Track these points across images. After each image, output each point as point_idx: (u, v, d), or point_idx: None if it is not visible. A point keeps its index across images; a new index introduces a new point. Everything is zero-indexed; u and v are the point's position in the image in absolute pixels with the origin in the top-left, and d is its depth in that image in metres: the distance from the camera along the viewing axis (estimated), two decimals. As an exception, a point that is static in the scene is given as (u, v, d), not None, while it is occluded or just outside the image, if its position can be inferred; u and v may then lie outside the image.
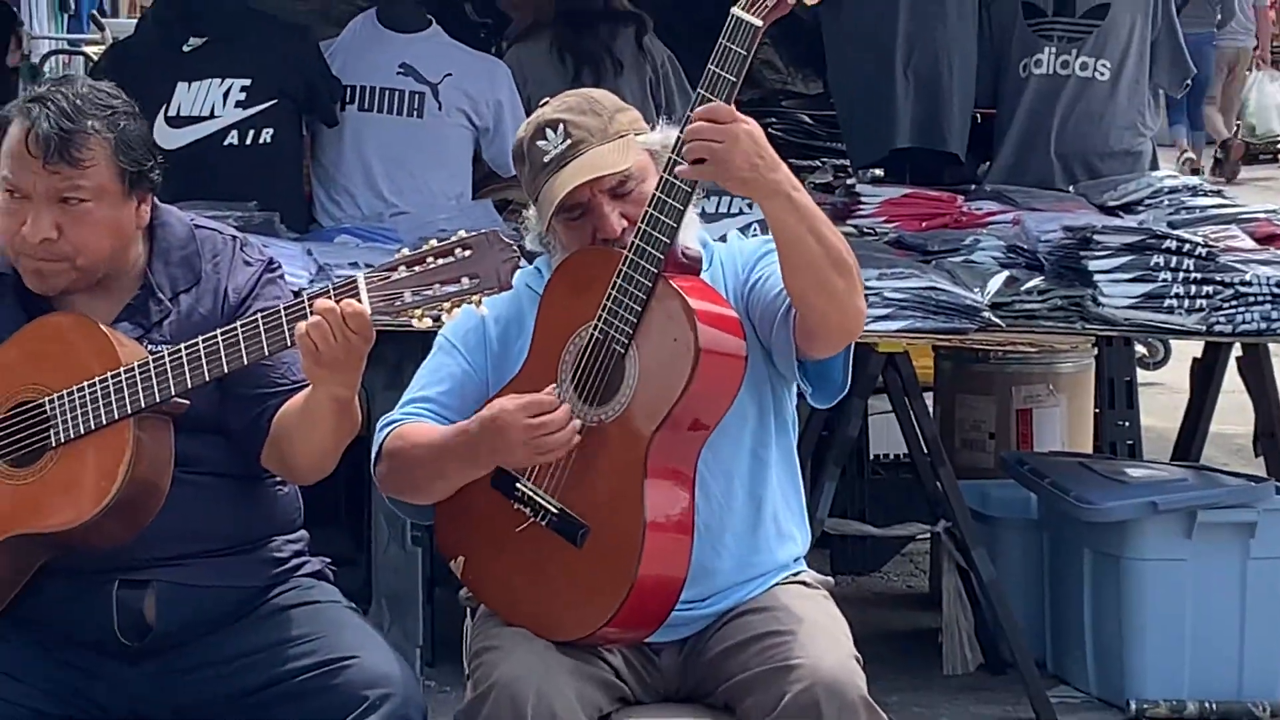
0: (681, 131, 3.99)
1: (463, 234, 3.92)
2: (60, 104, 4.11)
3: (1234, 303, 6.23)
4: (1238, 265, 6.30)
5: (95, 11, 13.64)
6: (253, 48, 7.21)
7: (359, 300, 3.78)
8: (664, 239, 4.06)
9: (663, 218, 4.07)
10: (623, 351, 4.14)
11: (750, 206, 4.41)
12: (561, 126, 4.28)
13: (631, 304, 4.09)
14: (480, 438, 4.19)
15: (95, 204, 4.10)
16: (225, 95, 7.10)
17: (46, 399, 3.98)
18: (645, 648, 4.32)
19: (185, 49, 7.23)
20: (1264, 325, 6.29)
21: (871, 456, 7.01)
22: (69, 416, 3.97)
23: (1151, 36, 7.65)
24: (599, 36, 7.79)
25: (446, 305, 3.87)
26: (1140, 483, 6.45)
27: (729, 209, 5.50)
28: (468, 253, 3.76)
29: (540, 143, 4.30)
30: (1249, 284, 6.23)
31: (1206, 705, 6.19)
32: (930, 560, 7.05)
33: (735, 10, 4.09)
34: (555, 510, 4.14)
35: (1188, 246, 6.28)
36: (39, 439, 3.98)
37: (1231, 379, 7.34)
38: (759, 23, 4.06)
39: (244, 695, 4.13)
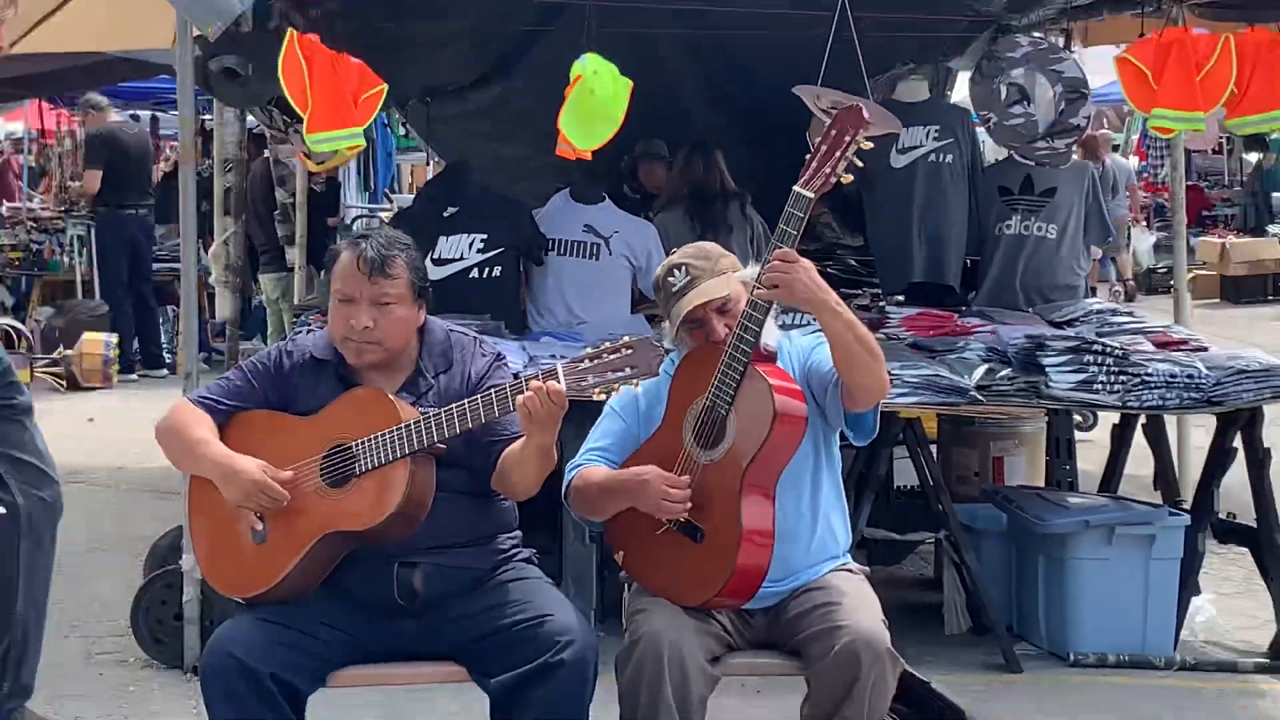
0: (762, 269, 4.25)
1: (626, 338, 4.11)
2: (377, 241, 4.42)
3: (1140, 388, 6.35)
4: (1143, 363, 6.30)
5: (386, 189, 13.71)
6: (488, 215, 7.40)
7: (558, 381, 4.00)
8: (751, 339, 4.35)
9: (750, 325, 4.34)
10: (725, 414, 4.40)
11: (812, 319, 4.50)
12: (684, 268, 4.49)
13: (730, 382, 4.38)
14: (631, 488, 4.43)
15: (397, 306, 4.37)
16: (470, 245, 7.22)
17: (354, 442, 4.23)
18: (743, 612, 4.52)
19: (444, 214, 7.34)
20: (1160, 402, 6.43)
21: (895, 486, 7.04)
22: (368, 455, 4.21)
23: (1084, 210, 7.62)
24: (715, 208, 7.84)
25: (615, 385, 4.12)
26: (1077, 508, 6.63)
27: (799, 320, 5.59)
28: (629, 351, 4.08)
29: (670, 278, 4.56)
30: (1150, 375, 6.34)
31: (1121, 656, 6.18)
32: (934, 557, 7.08)
33: (796, 187, 4.34)
34: (682, 519, 4.35)
35: (1109, 349, 6.29)
36: (348, 469, 4.19)
37: (1138, 437, 7.32)
38: (811, 195, 4.38)
39: (478, 640, 4.30)
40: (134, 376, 14.01)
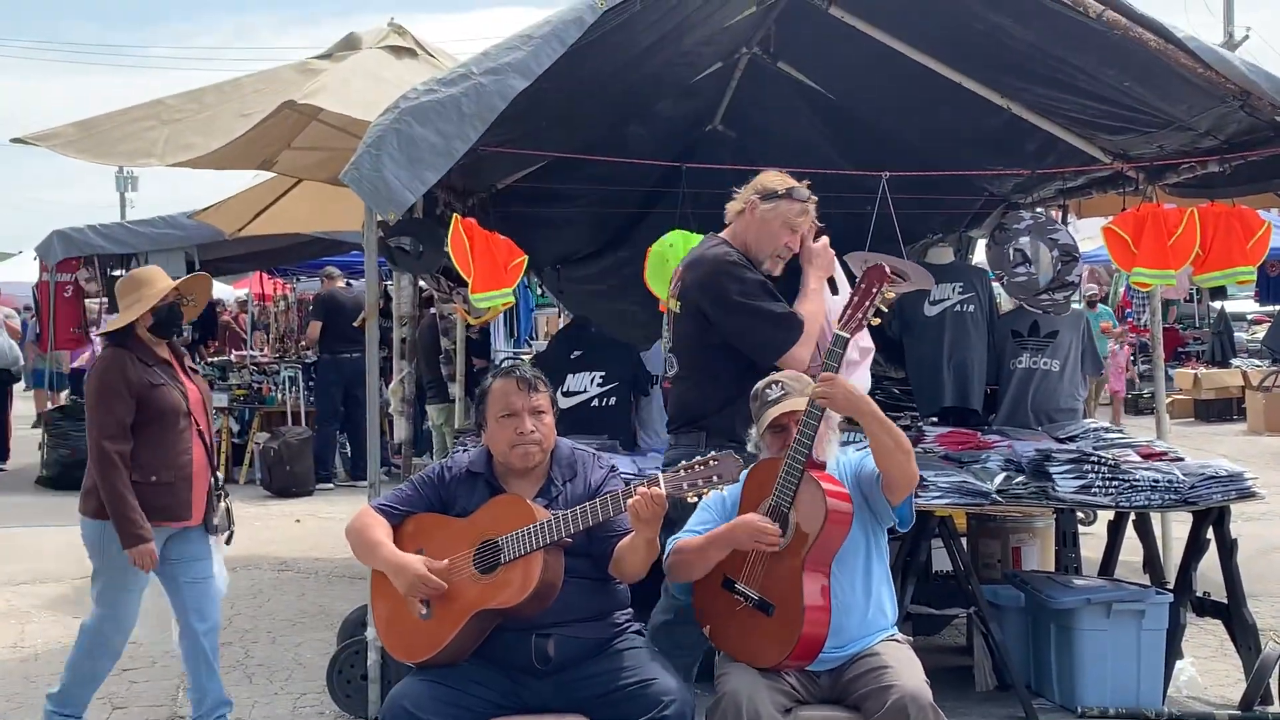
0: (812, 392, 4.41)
1: (714, 454, 4.21)
2: (524, 367, 4.72)
3: (1129, 491, 6.26)
4: (1131, 470, 6.22)
5: (527, 337, 13.77)
6: (605, 357, 7.39)
7: (660, 487, 4.05)
8: (806, 445, 4.45)
9: (804, 435, 4.44)
10: (787, 510, 4.45)
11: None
12: (780, 384, 4.68)
13: (790, 484, 4.46)
14: (728, 533, 4.45)
15: (547, 414, 4.52)
16: (591, 380, 7.26)
17: (500, 538, 4.29)
18: (809, 672, 4.53)
19: (571, 356, 7.39)
20: (1146, 503, 6.30)
21: (934, 571, 6.92)
22: (511, 547, 4.30)
23: (1081, 348, 7.54)
24: None
25: (704, 490, 4.19)
26: (1081, 588, 6.48)
27: (853, 439, 5.54)
28: (716, 463, 4.20)
29: (768, 391, 4.68)
30: (1138, 481, 6.23)
31: (1119, 709, 6.02)
32: (966, 628, 6.92)
33: (835, 329, 4.58)
34: (756, 597, 4.50)
35: (1104, 460, 6.21)
36: (495, 558, 4.28)
37: (1129, 531, 7.18)
38: (847, 335, 4.55)
39: (600, 697, 4.32)
40: (330, 485, 14.20)
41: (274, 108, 7.52)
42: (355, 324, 13.92)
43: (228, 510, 6.02)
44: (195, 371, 6.11)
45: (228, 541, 6.06)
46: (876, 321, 4.54)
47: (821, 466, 4.50)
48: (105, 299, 16.63)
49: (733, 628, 4.47)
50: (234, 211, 12.36)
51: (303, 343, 15.87)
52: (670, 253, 6.64)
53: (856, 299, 4.48)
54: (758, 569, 4.44)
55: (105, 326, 6.14)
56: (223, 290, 21.45)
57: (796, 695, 4.38)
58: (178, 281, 5.89)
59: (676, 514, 4.48)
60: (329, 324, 14.63)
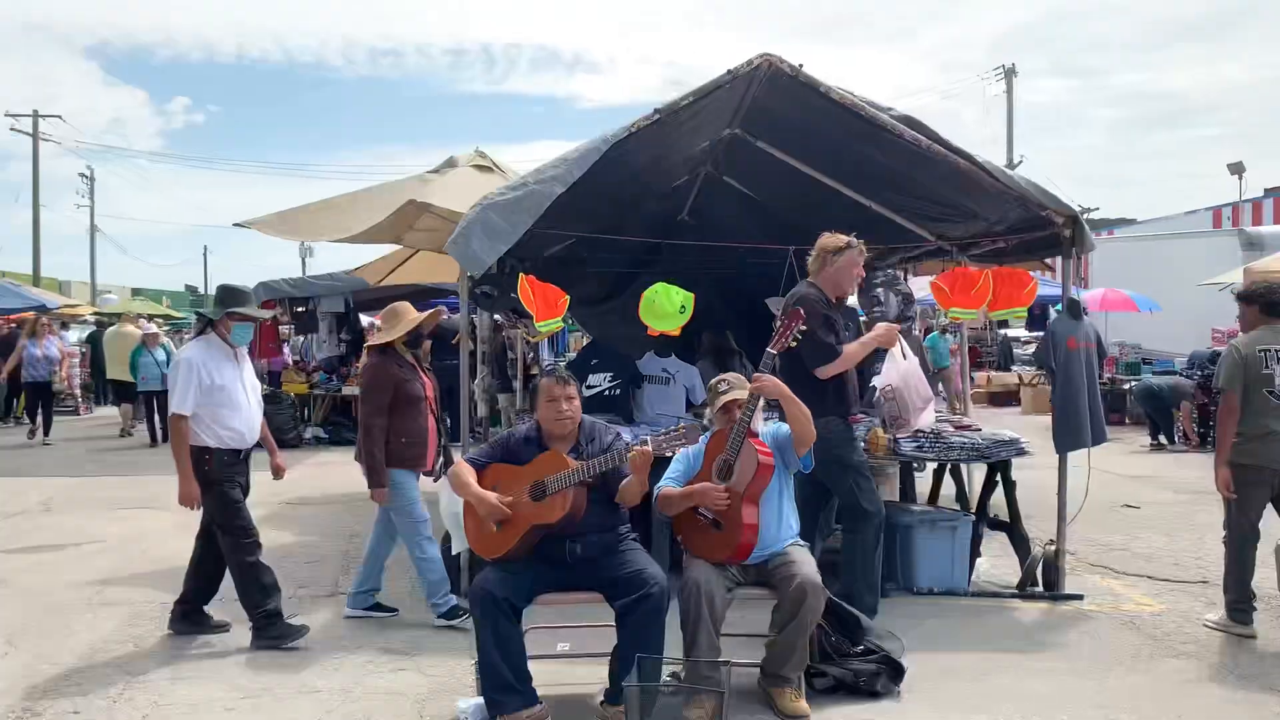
0: (752, 384, 4.39)
1: (683, 425, 4.25)
2: (561, 371, 4.66)
3: (947, 450, 6.35)
4: (948, 437, 6.22)
5: (564, 350, 13.76)
6: (614, 364, 7.34)
7: (649, 446, 3.99)
8: (747, 420, 4.42)
9: (746, 413, 4.41)
10: (733, 461, 4.45)
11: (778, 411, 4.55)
12: (726, 382, 4.62)
13: (736, 445, 4.46)
14: (696, 493, 4.43)
15: (576, 399, 4.46)
16: (604, 379, 7.27)
17: (546, 478, 4.27)
18: (744, 566, 4.51)
19: (591, 363, 7.47)
20: (959, 457, 6.30)
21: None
22: (553, 484, 4.27)
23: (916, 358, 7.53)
24: (727, 358, 7.78)
25: (677, 448, 4.21)
26: (916, 512, 6.48)
27: (770, 417, 5.52)
28: (685, 431, 4.21)
29: (719, 385, 4.61)
30: (953, 444, 6.27)
31: (939, 588, 5.99)
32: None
33: (768, 349, 4.52)
34: (711, 517, 4.49)
35: (931, 429, 6.13)
36: (542, 491, 4.26)
37: (946, 477, 7.18)
38: (774, 352, 4.56)
39: (609, 580, 4.26)
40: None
41: (402, 204, 7.54)
42: (453, 342, 13.86)
43: (446, 461, 6.02)
44: (428, 370, 6.19)
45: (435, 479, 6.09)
46: (794, 344, 4.53)
47: (755, 435, 4.51)
48: (291, 325, 16.64)
49: (696, 537, 4.45)
50: (375, 270, 12.40)
51: (420, 355, 15.78)
52: (655, 297, 6.51)
53: (780, 329, 4.49)
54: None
55: (373, 340, 6.16)
56: (366, 319, 21.40)
57: (736, 580, 4.38)
58: (423, 316, 6.00)
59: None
60: (438, 342, 14.54)
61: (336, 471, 12.00)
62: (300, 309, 15.75)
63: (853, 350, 5.55)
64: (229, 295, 5.54)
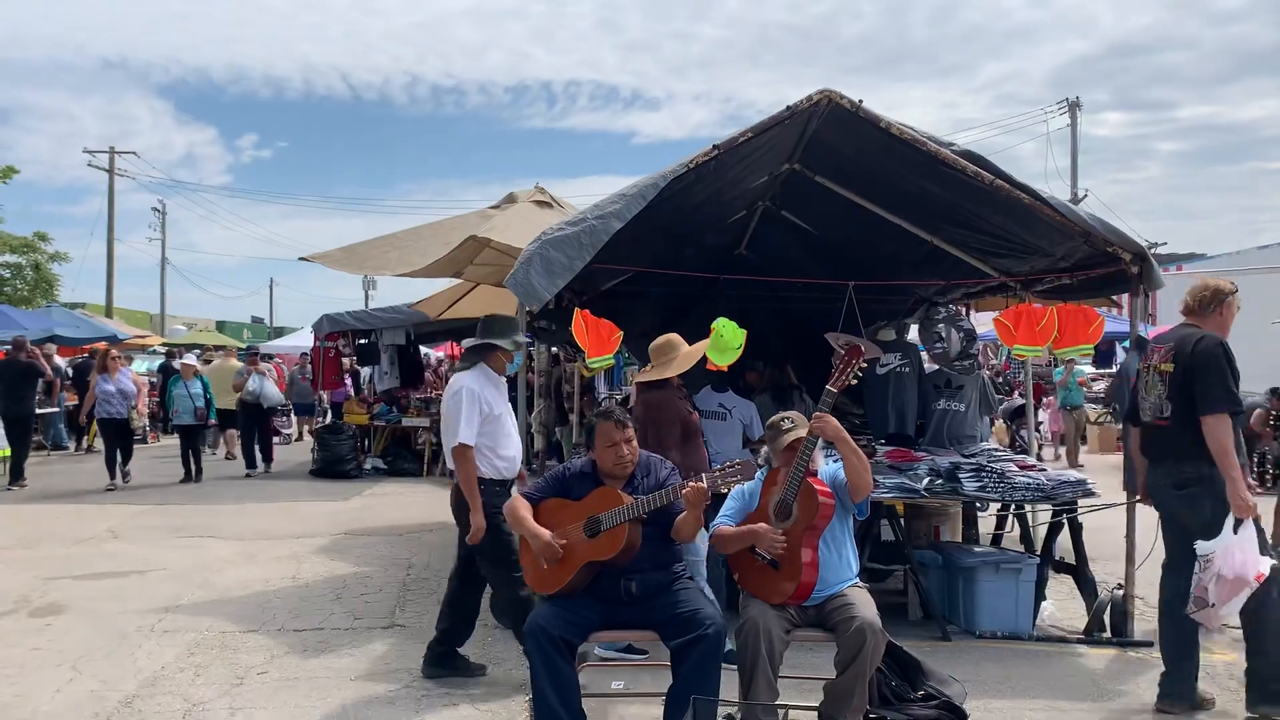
0: (811, 423, 4.31)
1: (737, 461, 4.14)
2: (617, 412, 4.48)
3: (1011, 490, 6.12)
4: (1012, 476, 6.10)
5: (620, 384, 13.59)
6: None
7: (702, 483, 3.95)
8: (805, 460, 4.35)
9: (805, 452, 4.33)
10: (792, 501, 4.36)
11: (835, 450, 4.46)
12: (790, 419, 4.54)
13: (794, 485, 4.37)
14: (751, 534, 4.37)
15: (633, 441, 4.42)
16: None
17: (601, 514, 4.26)
18: (801, 608, 4.38)
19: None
20: (1023, 498, 6.13)
21: (882, 539, 6.76)
22: (608, 520, 4.26)
23: (978, 397, 7.41)
24: (787, 393, 7.70)
25: (734, 483, 4.12)
26: (979, 553, 6.31)
27: (831, 454, 5.45)
28: (739, 467, 4.14)
29: (782, 423, 4.53)
30: (1017, 484, 6.07)
31: (1002, 632, 5.86)
32: (904, 579, 6.77)
33: (828, 386, 4.43)
34: (769, 558, 4.36)
35: (994, 469, 6.07)
36: (597, 527, 4.24)
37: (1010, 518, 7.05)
38: (835, 390, 4.45)
39: (664, 619, 4.19)
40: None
41: (462, 239, 7.62)
42: (511, 376, 13.95)
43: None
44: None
45: None
46: (854, 381, 4.47)
47: (814, 474, 4.45)
48: (355, 356, 16.88)
49: (753, 577, 4.36)
50: (436, 303, 12.54)
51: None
52: (723, 331, 6.27)
53: (841, 365, 4.42)
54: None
55: (646, 376, 6.07)
56: (427, 352, 21.65)
57: (794, 621, 4.29)
58: (698, 350, 6.04)
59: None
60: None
61: (395, 502, 12.12)
62: (363, 341, 16.00)
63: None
64: (504, 326, 5.50)
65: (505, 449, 5.29)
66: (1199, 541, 4.56)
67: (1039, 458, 7.77)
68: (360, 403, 16.49)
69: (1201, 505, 4.68)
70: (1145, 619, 6.48)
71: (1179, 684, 4.87)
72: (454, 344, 20.95)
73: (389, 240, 8.63)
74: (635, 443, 4.41)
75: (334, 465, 14.46)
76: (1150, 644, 5.95)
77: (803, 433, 4.40)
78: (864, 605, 4.23)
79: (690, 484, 4.11)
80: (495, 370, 5.43)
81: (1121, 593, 6.16)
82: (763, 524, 4.35)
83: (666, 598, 4.23)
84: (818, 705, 4.34)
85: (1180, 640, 4.86)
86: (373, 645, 5.96)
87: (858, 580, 4.47)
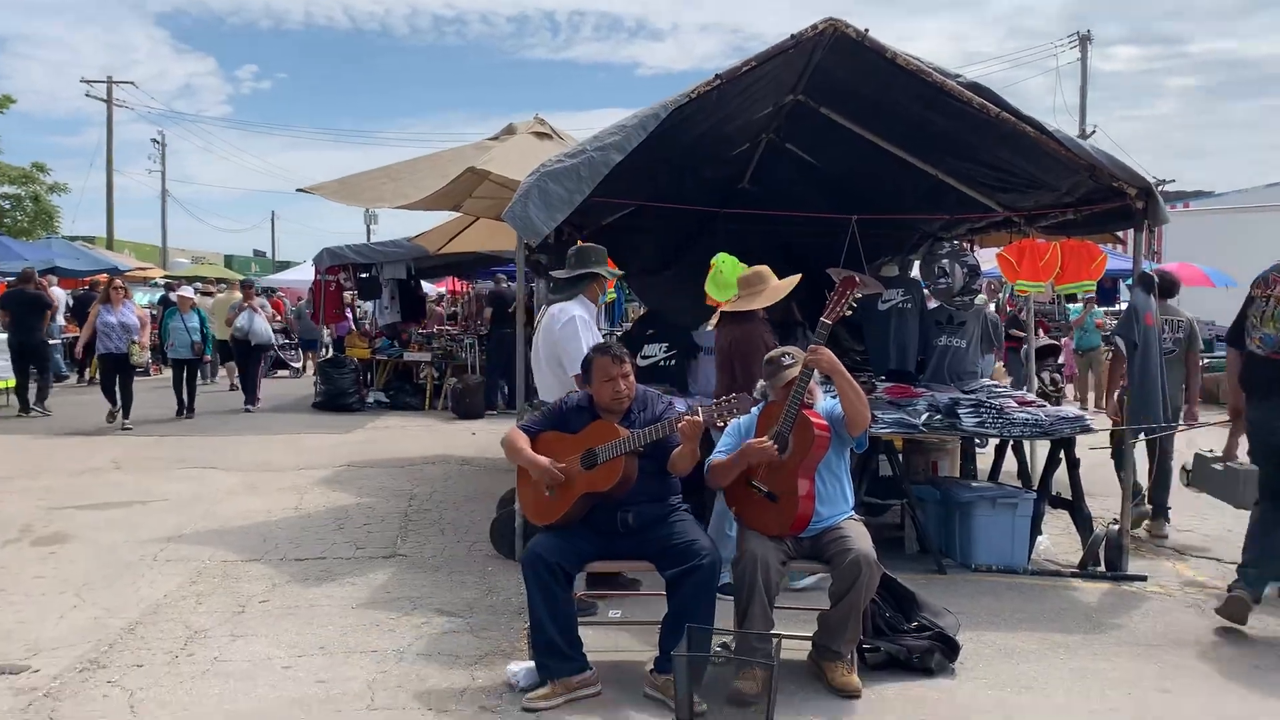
0: (806, 356, 4.31)
1: (734, 395, 4.16)
2: (614, 345, 4.48)
3: (1009, 426, 6.11)
4: (1011, 412, 6.07)
5: (620, 320, 13.63)
6: (669, 334, 7.23)
7: (698, 416, 4.02)
8: (800, 394, 4.35)
9: (801, 385, 4.34)
10: (787, 434, 4.38)
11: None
12: (790, 354, 4.50)
13: (790, 417, 4.38)
14: (743, 453, 4.35)
15: (630, 376, 4.39)
16: (659, 349, 7.15)
17: (598, 447, 4.25)
18: (799, 538, 4.42)
19: (647, 334, 7.36)
20: (1021, 433, 6.12)
21: (880, 475, 6.76)
22: (604, 453, 4.26)
23: (979, 333, 7.36)
24: (791, 329, 7.65)
25: (728, 418, 4.13)
26: (976, 488, 6.32)
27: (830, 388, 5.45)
28: (735, 401, 4.13)
29: (782, 359, 4.50)
30: (1015, 419, 6.06)
31: (998, 566, 5.89)
32: (900, 513, 6.80)
33: (822, 318, 4.44)
34: (766, 490, 4.40)
35: (992, 405, 6.07)
36: (594, 460, 4.25)
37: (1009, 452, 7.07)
38: (829, 322, 4.45)
39: (660, 551, 4.23)
40: (495, 412, 14.18)
41: (460, 171, 7.54)
42: (509, 311, 13.93)
43: None
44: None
45: None
46: (849, 313, 4.45)
47: (810, 407, 4.44)
48: (355, 290, 16.85)
49: (750, 510, 4.39)
50: (436, 237, 12.45)
51: (480, 323, 15.88)
52: (722, 267, 6.34)
53: (836, 298, 4.40)
54: (767, 473, 4.37)
55: (734, 306, 6.04)
56: (428, 287, 21.60)
57: (790, 553, 4.32)
58: (788, 284, 5.93)
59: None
60: (497, 310, 14.65)
61: (397, 435, 12.19)
62: (364, 275, 15.95)
63: None
64: (599, 255, 5.63)
65: None
66: None
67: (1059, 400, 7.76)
68: (362, 336, 16.50)
69: None
70: (1139, 554, 6.54)
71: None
72: (454, 279, 20.93)
73: (386, 172, 8.54)
74: (632, 377, 4.40)
75: (336, 398, 14.52)
76: (1144, 578, 6.03)
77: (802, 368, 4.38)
78: (859, 538, 4.26)
79: (686, 417, 4.11)
80: (590, 300, 5.57)
81: (1117, 528, 6.20)
82: (752, 440, 4.36)
83: (662, 529, 4.25)
84: (812, 635, 4.40)
85: None
86: (374, 574, 6.02)
87: (853, 513, 4.50)
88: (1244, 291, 5.10)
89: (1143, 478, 7.00)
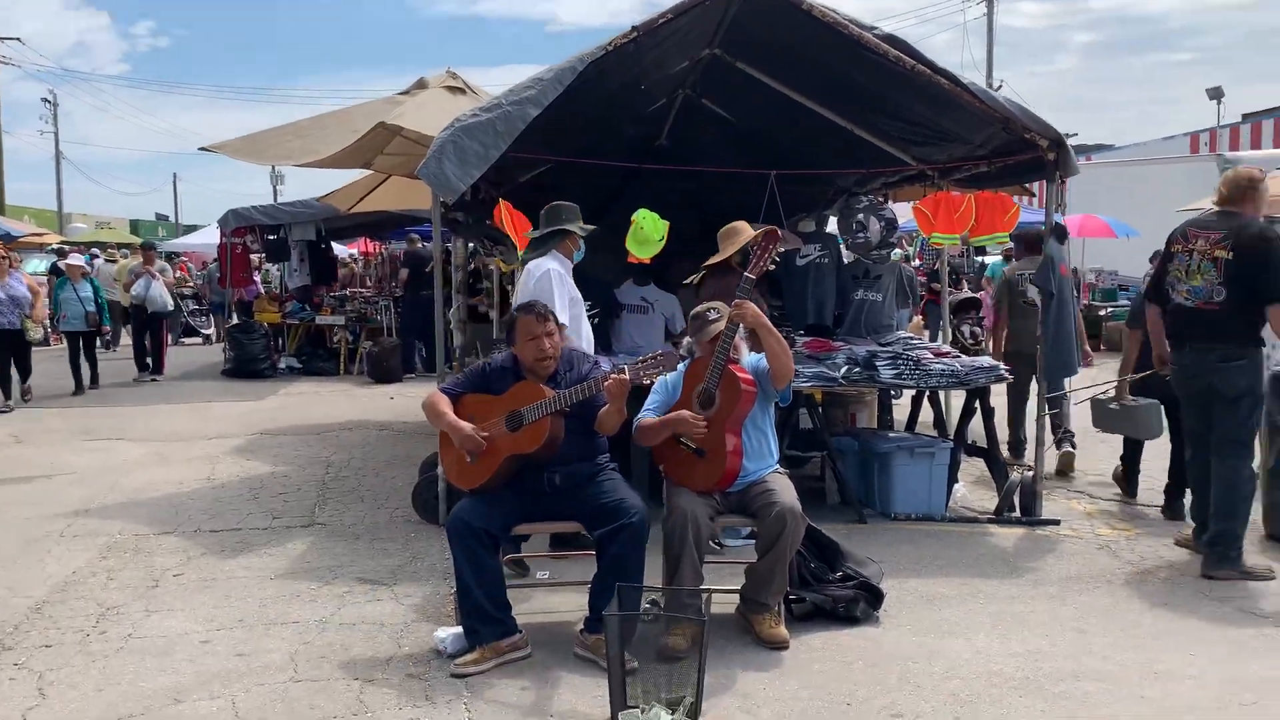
0: (730, 311, 4.29)
1: (659, 352, 4.14)
2: (539, 304, 4.38)
3: (925, 376, 6.22)
4: (927, 364, 6.15)
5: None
6: (591, 293, 7.04)
7: (625, 374, 3.89)
8: (726, 349, 4.33)
9: (726, 339, 4.32)
10: (714, 390, 4.36)
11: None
12: (715, 309, 4.47)
13: (716, 373, 4.37)
14: (674, 421, 4.34)
15: (555, 335, 4.32)
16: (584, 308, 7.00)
17: (523, 408, 4.16)
18: (726, 493, 4.42)
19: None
20: (937, 384, 6.22)
21: (801, 428, 6.80)
22: (530, 414, 4.18)
23: (895, 287, 7.42)
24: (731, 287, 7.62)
25: (655, 375, 4.07)
26: (894, 438, 6.41)
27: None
28: (662, 357, 4.09)
29: (707, 314, 4.50)
30: (931, 370, 6.14)
31: (917, 514, 6.00)
32: (821, 464, 6.86)
33: (745, 273, 4.41)
34: (694, 447, 4.35)
35: (909, 357, 6.13)
36: (519, 421, 4.16)
37: (925, 403, 7.17)
38: (754, 277, 4.41)
39: (588, 510, 4.20)
40: (412, 375, 13.97)
41: (371, 127, 7.32)
42: (426, 271, 13.68)
43: None
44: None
45: None
46: (773, 267, 4.43)
47: (736, 362, 4.43)
48: (264, 253, 16.37)
49: (679, 466, 4.35)
50: (346, 196, 12.14)
51: (395, 285, 15.58)
52: (643, 223, 6.28)
53: (759, 252, 4.38)
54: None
55: (711, 260, 6.25)
56: (339, 249, 21.13)
57: (718, 508, 4.32)
58: (758, 232, 5.75)
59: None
60: (413, 271, 14.38)
61: (311, 401, 11.93)
62: (272, 237, 15.50)
63: None
64: (570, 212, 5.62)
65: (586, 334, 5.55)
66: None
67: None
68: (272, 300, 16.07)
69: (1240, 379, 5.09)
70: (1052, 498, 6.72)
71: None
72: (367, 239, 20.49)
73: (293, 128, 8.25)
74: (557, 336, 4.32)
75: (247, 365, 14.16)
76: (1057, 521, 6.20)
77: (725, 324, 4.36)
78: (784, 491, 4.28)
79: (612, 375, 4.06)
80: (564, 255, 5.57)
81: (1031, 474, 6.36)
82: (685, 410, 4.34)
83: (590, 489, 4.21)
84: (740, 589, 4.42)
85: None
86: (292, 544, 5.88)
87: (778, 467, 4.51)
88: (1145, 241, 5.27)
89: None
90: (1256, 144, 25.32)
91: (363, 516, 6.54)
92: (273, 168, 46.26)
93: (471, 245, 10.70)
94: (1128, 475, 6.91)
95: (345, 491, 7.24)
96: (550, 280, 5.33)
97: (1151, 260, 7.41)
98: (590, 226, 5.73)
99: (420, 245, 15.16)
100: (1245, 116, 29.21)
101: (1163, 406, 6.17)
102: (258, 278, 17.08)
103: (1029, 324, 7.29)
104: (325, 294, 16.09)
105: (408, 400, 11.48)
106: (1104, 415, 6.47)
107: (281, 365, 14.71)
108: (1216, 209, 5.30)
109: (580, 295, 5.56)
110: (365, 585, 5.12)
